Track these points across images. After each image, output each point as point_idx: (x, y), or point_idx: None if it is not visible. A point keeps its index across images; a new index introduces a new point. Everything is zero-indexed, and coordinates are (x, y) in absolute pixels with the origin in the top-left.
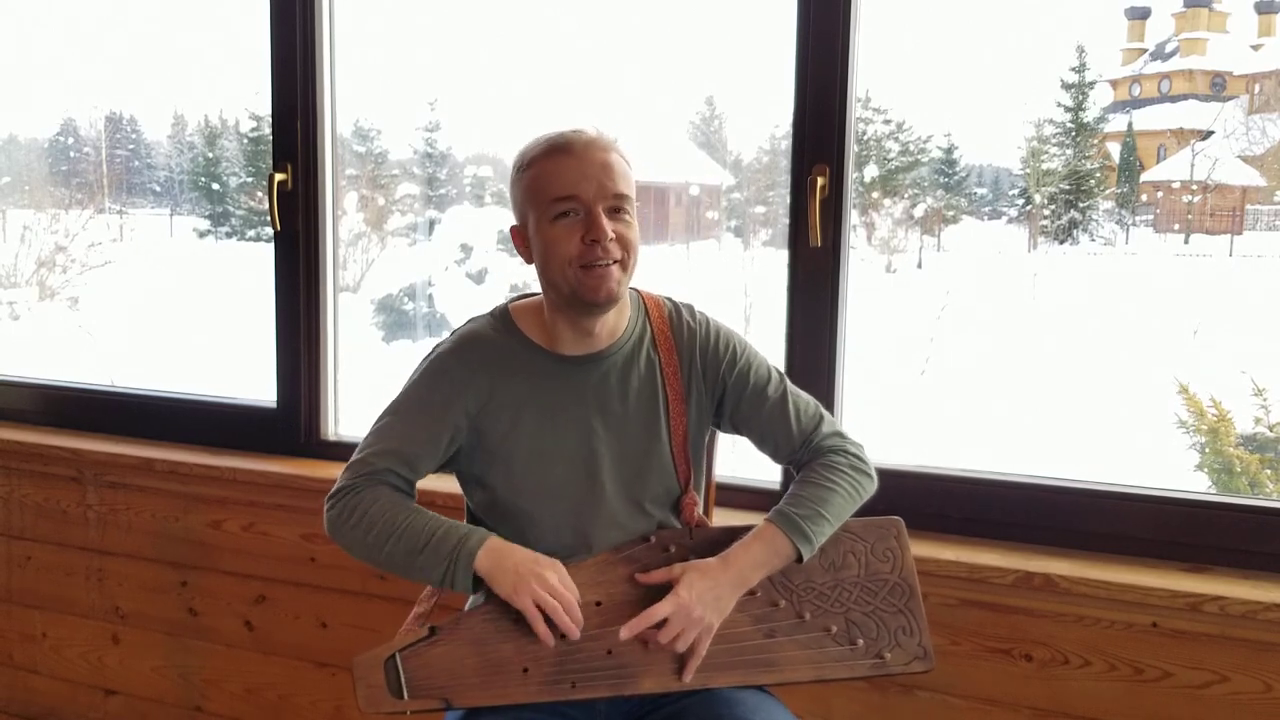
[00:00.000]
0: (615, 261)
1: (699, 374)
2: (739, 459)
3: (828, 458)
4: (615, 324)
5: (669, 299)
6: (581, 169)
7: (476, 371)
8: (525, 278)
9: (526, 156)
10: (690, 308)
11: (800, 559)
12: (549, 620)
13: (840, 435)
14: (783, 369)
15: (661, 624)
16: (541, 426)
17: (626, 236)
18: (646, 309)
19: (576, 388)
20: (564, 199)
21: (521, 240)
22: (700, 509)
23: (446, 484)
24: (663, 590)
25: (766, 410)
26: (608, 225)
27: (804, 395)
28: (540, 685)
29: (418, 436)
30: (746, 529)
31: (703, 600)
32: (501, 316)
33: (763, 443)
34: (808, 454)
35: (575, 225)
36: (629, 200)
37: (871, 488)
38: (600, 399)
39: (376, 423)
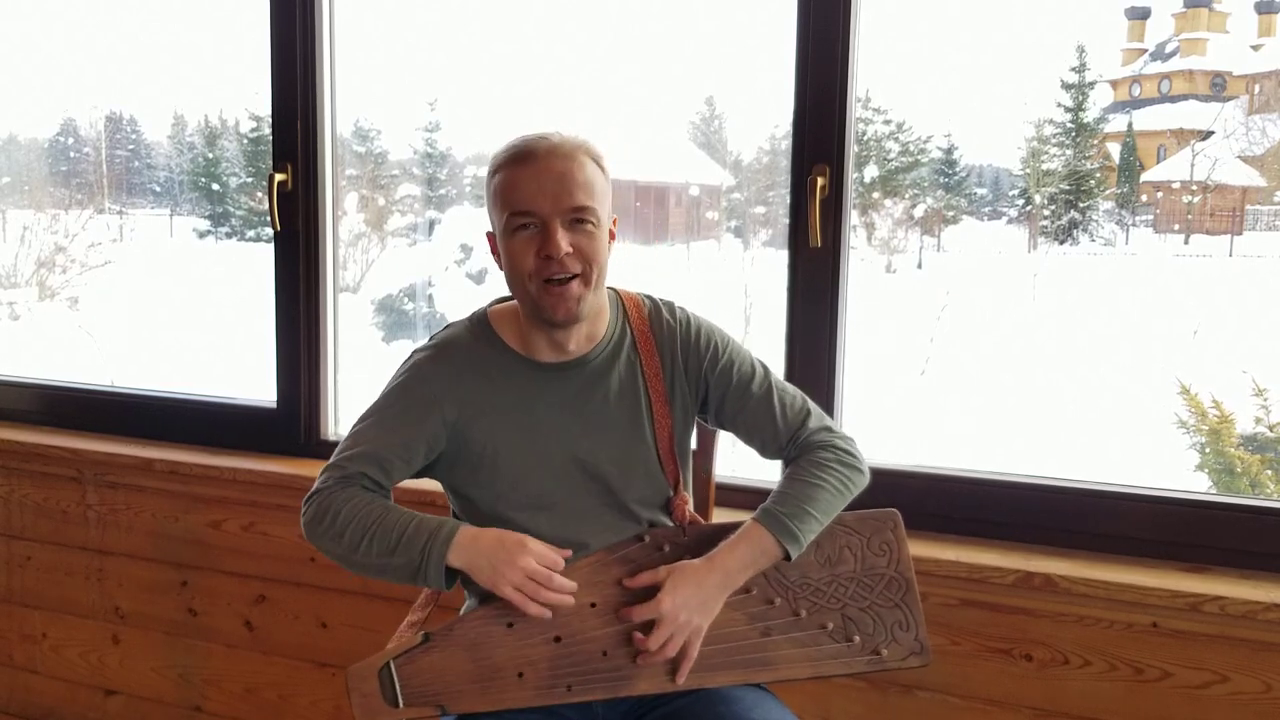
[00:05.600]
0: (575, 276)
1: (681, 373)
2: (739, 459)
3: (815, 454)
4: (592, 331)
5: (648, 297)
6: (539, 181)
7: (454, 379)
8: None
9: (494, 161)
10: (670, 305)
11: (788, 557)
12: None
13: (828, 430)
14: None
15: (649, 631)
16: (523, 435)
17: (586, 248)
18: (625, 310)
19: (556, 395)
20: (520, 213)
21: (495, 247)
22: (691, 506)
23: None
24: (653, 591)
25: (750, 407)
26: (563, 240)
27: (790, 389)
28: (536, 689)
29: (391, 442)
30: (741, 526)
31: (688, 605)
32: (480, 322)
33: (749, 439)
34: (795, 450)
35: (533, 239)
36: (591, 211)
37: (862, 481)
38: (581, 405)
39: (353, 427)
